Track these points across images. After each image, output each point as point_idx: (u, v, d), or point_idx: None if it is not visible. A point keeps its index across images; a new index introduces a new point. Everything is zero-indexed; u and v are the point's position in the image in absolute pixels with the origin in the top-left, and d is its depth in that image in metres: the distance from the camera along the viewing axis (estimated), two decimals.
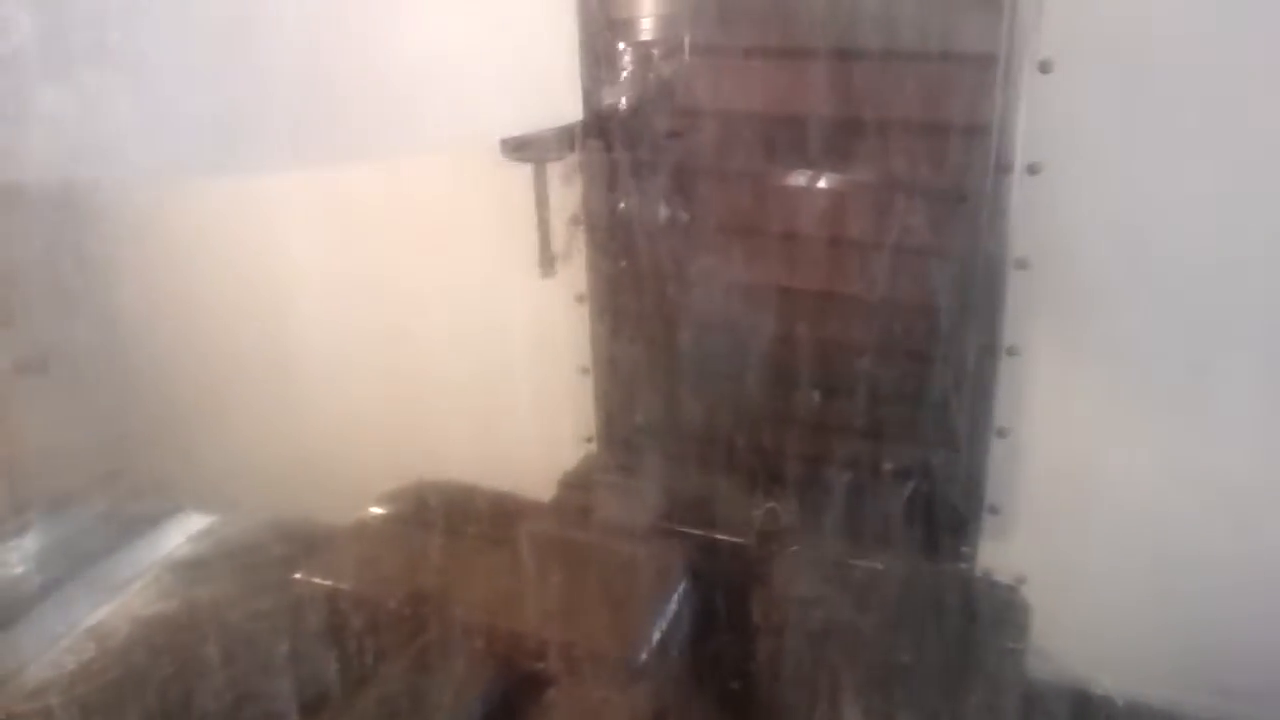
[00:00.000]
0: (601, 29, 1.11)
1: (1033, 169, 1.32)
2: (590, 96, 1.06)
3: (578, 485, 1.39)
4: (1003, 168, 1.32)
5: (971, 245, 1.35)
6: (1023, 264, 1.37)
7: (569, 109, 1.00)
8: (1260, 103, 1.23)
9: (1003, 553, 1.49)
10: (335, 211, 1.65)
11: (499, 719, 1.17)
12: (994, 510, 1.49)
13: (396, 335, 1.69)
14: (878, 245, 1.38)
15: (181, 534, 1.63)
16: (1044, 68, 1.28)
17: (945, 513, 1.44)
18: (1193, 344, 1.36)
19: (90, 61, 0.72)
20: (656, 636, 1.18)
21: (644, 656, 1.16)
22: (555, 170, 1.42)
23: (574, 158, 1.38)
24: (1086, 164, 1.32)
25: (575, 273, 1.56)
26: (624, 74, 1.19)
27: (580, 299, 1.58)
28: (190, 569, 1.55)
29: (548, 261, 1.39)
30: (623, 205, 1.33)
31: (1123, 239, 1.34)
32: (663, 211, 1.32)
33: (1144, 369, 1.39)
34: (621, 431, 1.55)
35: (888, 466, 1.43)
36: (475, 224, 1.61)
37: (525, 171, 1.43)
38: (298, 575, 1.38)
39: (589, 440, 1.61)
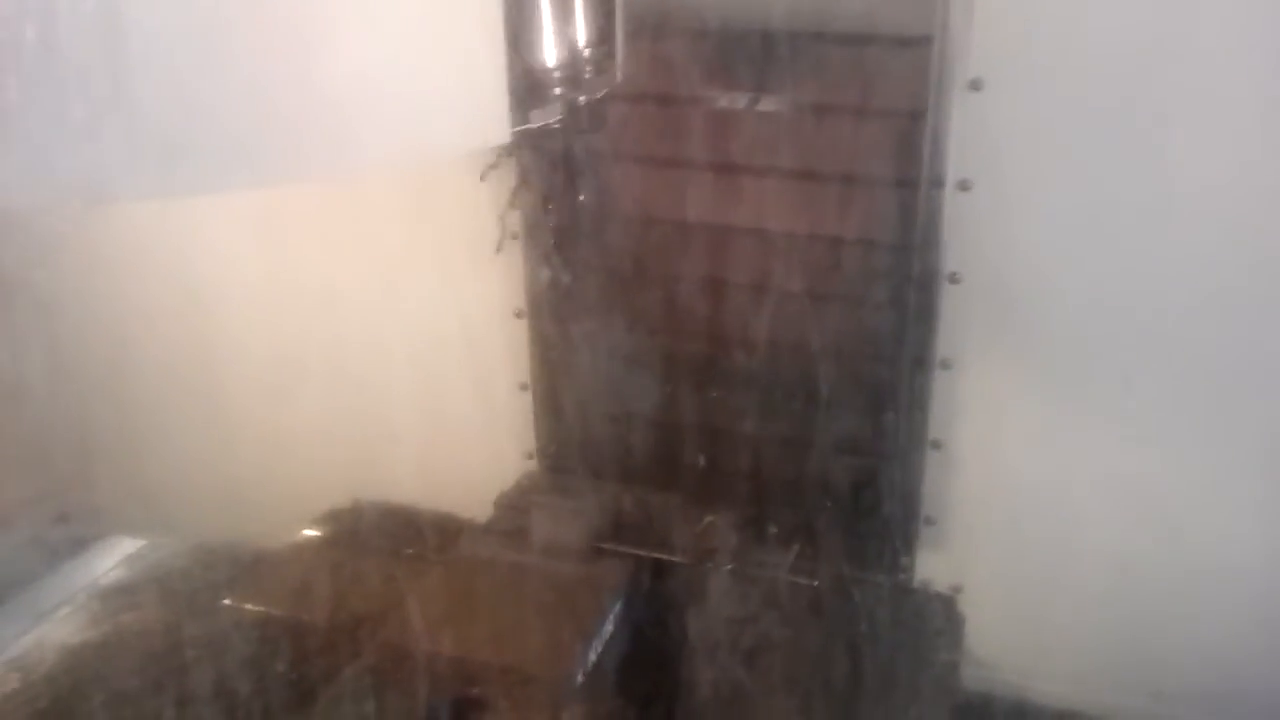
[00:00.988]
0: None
1: (963, 185, 1.34)
2: (519, 115, 1.04)
3: (514, 505, 1.38)
4: (935, 183, 1.33)
5: (905, 260, 1.36)
6: (955, 278, 1.39)
7: (498, 130, 0.99)
8: (1189, 116, 1.25)
9: (939, 563, 1.51)
10: (265, 227, 1.62)
11: None
12: (930, 521, 1.50)
13: (330, 353, 1.67)
14: (809, 246, 1.39)
15: (110, 559, 1.59)
16: (975, 85, 1.29)
17: (882, 525, 1.45)
18: (1121, 355, 1.38)
19: (8, 72, 0.69)
20: (592, 657, 1.17)
21: (580, 677, 1.15)
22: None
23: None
24: (1016, 179, 1.34)
25: (514, 287, 1.55)
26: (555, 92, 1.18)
27: (519, 314, 1.57)
28: (118, 595, 1.51)
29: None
30: (555, 221, 1.32)
31: (1052, 252, 1.36)
32: (594, 226, 1.31)
33: (1074, 380, 1.42)
34: (561, 447, 1.54)
35: (824, 480, 1.44)
36: (412, 239, 1.59)
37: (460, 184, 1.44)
38: (227, 601, 1.36)
39: (529, 457, 1.60)
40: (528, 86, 0.98)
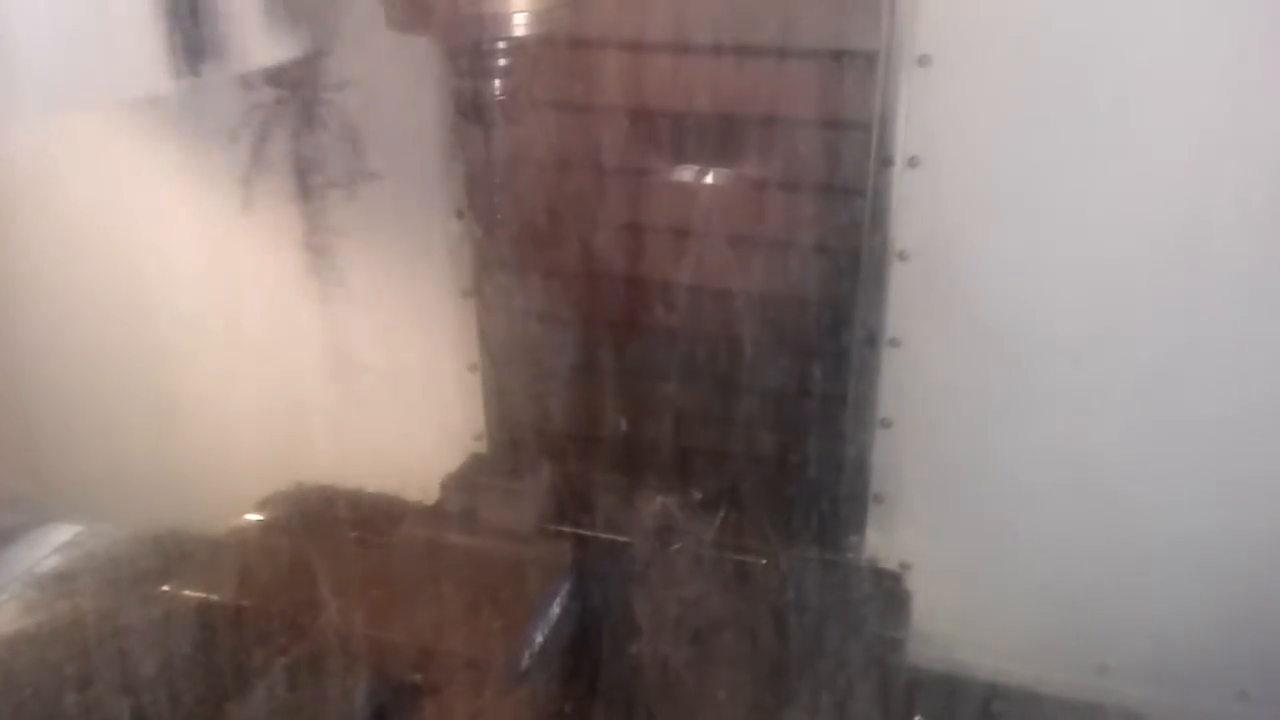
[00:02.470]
0: None
1: (913, 162, 1.33)
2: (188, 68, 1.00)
3: (461, 488, 1.36)
4: (884, 161, 1.32)
5: (854, 238, 1.35)
6: (904, 256, 1.38)
7: (157, 82, 0.97)
8: (1140, 94, 1.25)
9: (887, 541, 1.51)
10: (205, 210, 1.58)
11: None
12: (879, 499, 1.50)
13: (272, 333, 1.63)
14: (760, 239, 1.38)
15: (46, 547, 1.55)
16: (923, 62, 1.28)
17: (831, 504, 1.44)
18: (1070, 332, 1.39)
19: None
20: (539, 640, 1.16)
21: (525, 661, 1.14)
22: None
23: None
24: (965, 157, 1.33)
25: (462, 268, 1.53)
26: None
27: (467, 294, 1.54)
28: (54, 583, 1.48)
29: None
30: (499, 199, 1.29)
31: (1001, 230, 1.36)
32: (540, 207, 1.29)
33: (1023, 357, 1.42)
34: (510, 429, 1.52)
35: (773, 459, 1.43)
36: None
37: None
38: (166, 587, 1.33)
39: (477, 438, 1.58)
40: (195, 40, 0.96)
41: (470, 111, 1.19)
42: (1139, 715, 1.33)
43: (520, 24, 1.10)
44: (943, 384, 1.45)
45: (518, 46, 1.14)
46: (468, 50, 1.14)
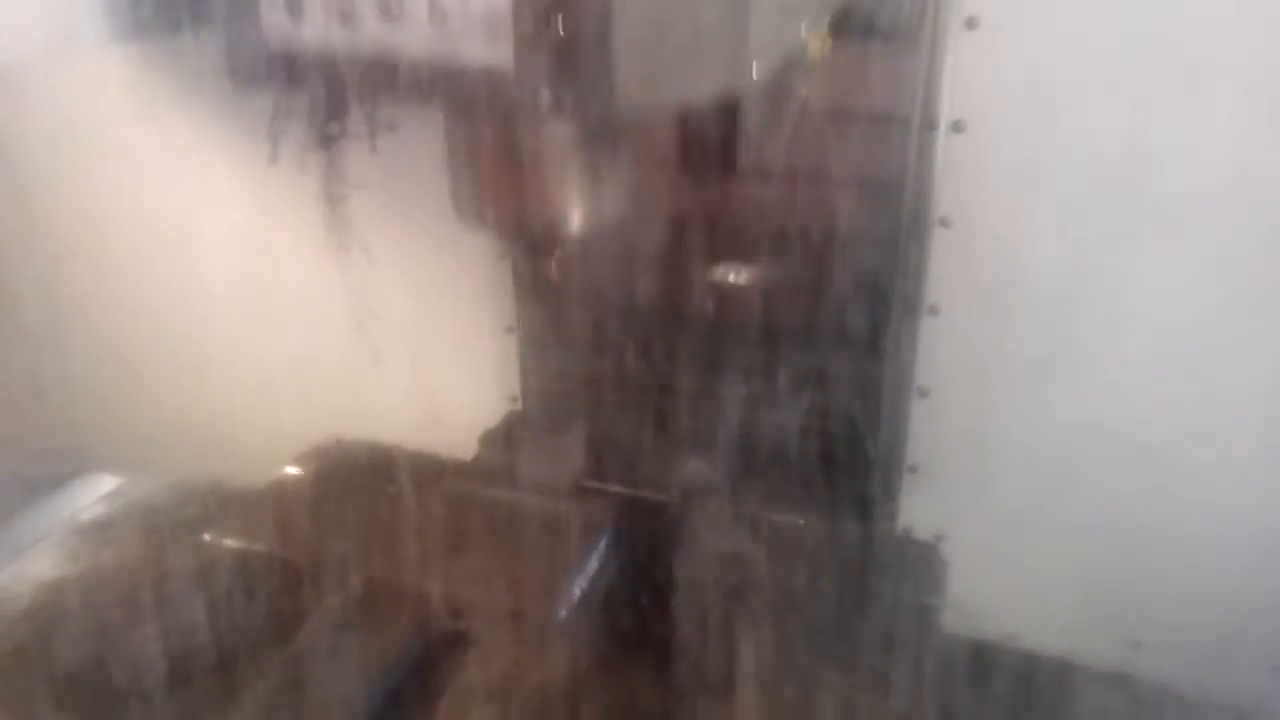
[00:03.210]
0: None
1: (957, 126, 1.32)
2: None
3: (499, 443, 1.37)
4: (928, 125, 1.32)
5: (895, 204, 1.35)
6: (946, 222, 1.37)
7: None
8: (1189, 61, 1.23)
9: (922, 511, 1.50)
10: (245, 162, 1.59)
11: (419, 679, 1.15)
12: (914, 469, 1.50)
13: (312, 293, 1.64)
14: (799, 206, 1.37)
15: (89, 496, 1.57)
16: (970, 24, 1.27)
17: (866, 472, 1.44)
18: (1112, 302, 1.38)
19: None
20: (577, 593, 1.17)
21: (564, 613, 1.15)
22: None
23: None
24: (1012, 121, 1.32)
25: None
26: None
27: (503, 256, 1.55)
28: (98, 531, 1.50)
29: None
30: None
31: (1045, 197, 1.35)
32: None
33: (1064, 328, 1.41)
34: (546, 390, 1.52)
35: (810, 426, 1.43)
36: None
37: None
38: (207, 537, 1.34)
39: (514, 400, 1.59)
40: None
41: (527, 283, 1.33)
42: (1171, 688, 1.32)
43: (574, 224, 1.16)
44: (981, 354, 1.44)
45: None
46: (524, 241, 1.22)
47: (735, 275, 1.44)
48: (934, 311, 1.43)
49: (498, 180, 1.13)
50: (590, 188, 1.16)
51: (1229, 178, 1.27)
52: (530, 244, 1.22)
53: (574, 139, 1.11)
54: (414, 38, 0.93)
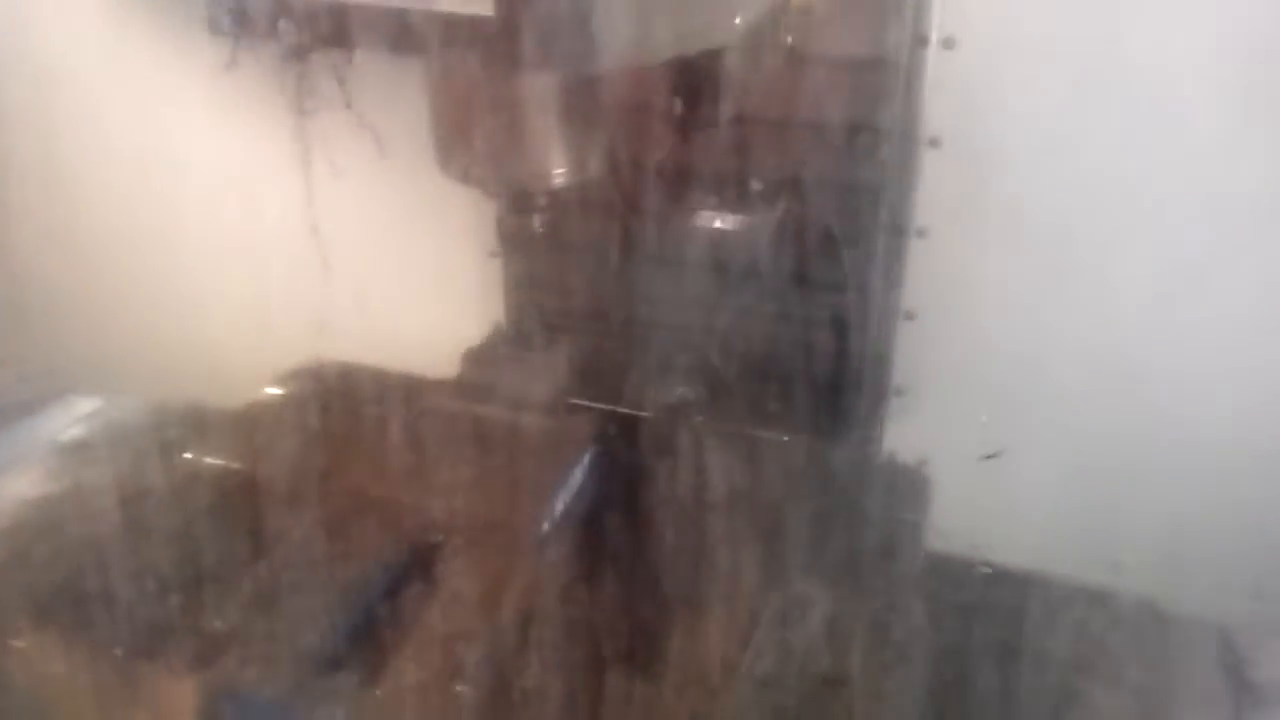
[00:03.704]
0: None
1: (948, 43, 1.30)
2: None
3: (482, 361, 1.36)
4: (918, 41, 1.29)
5: (883, 123, 1.32)
6: (935, 142, 1.36)
7: None
8: None
9: (907, 435, 1.50)
10: (226, 86, 1.56)
11: (402, 590, 1.15)
12: (900, 392, 1.50)
13: (294, 216, 1.62)
14: (783, 123, 1.35)
15: (68, 418, 1.56)
16: None
17: (851, 395, 1.44)
18: (1102, 225, 1.37)
19: None
20: (559, 508, 1.16)
21: (546, 527, 1.15)
22: None
23: None
24: (1004, 39, 1.30)
25: None
26: None
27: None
28: (77, 452, 1.49)
29: None
30: None
31: (1038, 118, 1.33)
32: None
33: (1053, 251, 1.40)
34: (530, 315, 1.51)
35: (793, 348, 1.42)
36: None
37: None
38: (188, 456, 1.34)
39: (497, 325, 1.58)
40: None
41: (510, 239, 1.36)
42: (1151, 602, 1.33)
43: (558, 176, 1.16)
44: (969, 276, 1.43)
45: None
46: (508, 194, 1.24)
47: (719, 209, 1.42)
48: (922, 233, 1.41)
49: (479, 135, 1.13)
50: (572, 140, 1.15)
51: (1232, 89, 1.26)
52: (514, 199, 1.23)
53: (555, 90, 1.10)
54: None
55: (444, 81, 1.14)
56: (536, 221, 1.24)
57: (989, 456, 1.44)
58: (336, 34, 0.99)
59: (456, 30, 0.89)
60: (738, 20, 1.06)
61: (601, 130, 1.21)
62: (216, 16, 1.04)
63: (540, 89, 1.10)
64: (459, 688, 1.01)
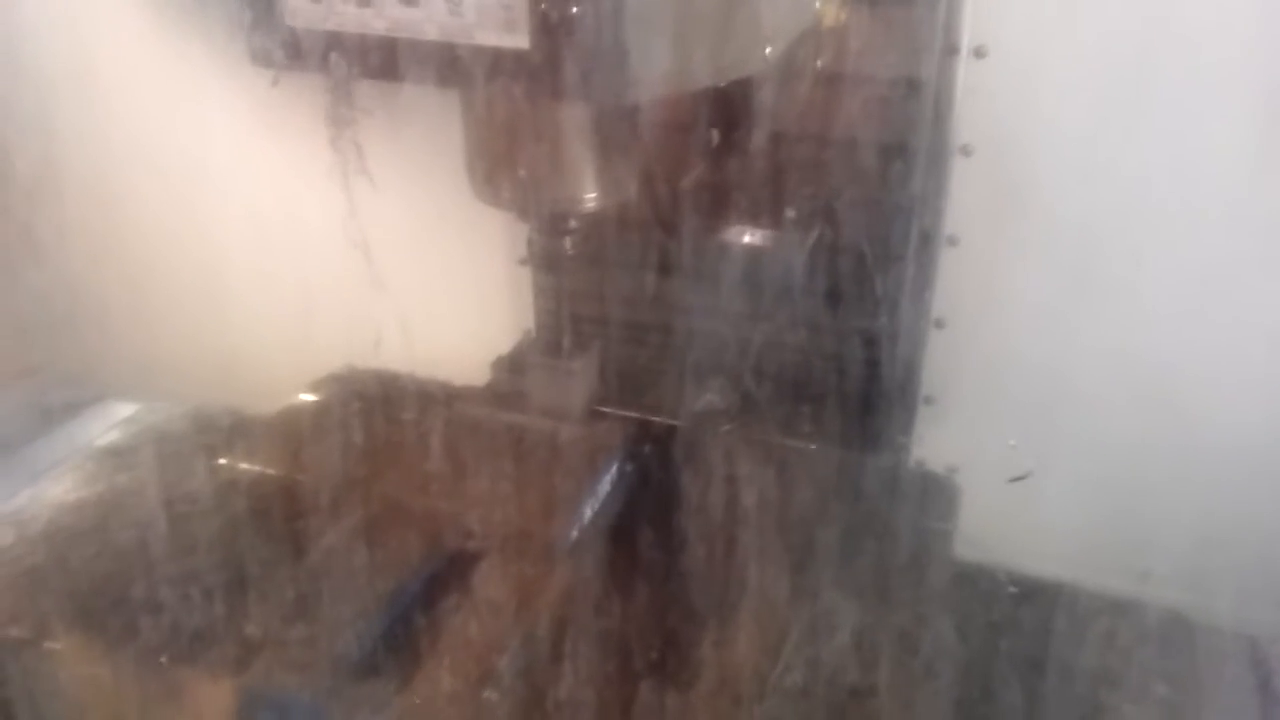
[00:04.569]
0: None
1: (979, 52, 1.30)
2: None
3: (511, 369, 1.37)
4: (949, 50, 1.29)
5: (914, 131, 1.32)
6: (967, 151, 1.36)
7: None
8: None
9: (937, 443, 1.50)
10: (259, 96, 1.57)
11: (431, 597, 1.16)
12: (929, 401, 1.49)
13: (326, 225, 1.64)
14: (815, 133, 1.35)
15: (104, 423, 1.59)
16: None
17: (881, 404, 1.43)
18: (1133, 233, 1.36)
19: None
20: (588, 515, 1.17)
21: (575, 534, 1.15)
22: None
23: None
24: (1033, 47, 1.30)
25: None
26: None
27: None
28: (113, 456, 1.51)
29: None
30: None
31: (1067, 125, 1.33)
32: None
33: (1084, 259, 1.39)
34: (560, 321, 1.52)
35: (824, 357, 1.42)
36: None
37: None
38: (222, 461, 1.35)
39: (527, 332, 1.58)
40: None
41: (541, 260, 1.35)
42: (1180, 614, 1.32)
43: (589, 200, 1.19)
44: (1000, 285, 1.43)
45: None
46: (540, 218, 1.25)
47: (751, 224, 1.42)
48: (953, 242, 1.41)
49: (512, 162, 1.16)
50: (605, 166, 1.17)
51: (1260, 105, 1.25)
52: (547, 222, 1.25)
53: (588, 120, 1.13)
54: (431, 20, 0.93)
55: (478, 110, 1.16)
56: (568, 244, 1.26)
57: (1017, 479, 1.43)
58: (382, 67, 1.01)
59: (493, 62, 0.91)
60: (769, 50, 1.07)
61: (634, 155, 1.24)
62: (264, 49, 1.06)
63: (573, 118, 1.13)
64: (488, 694, 1.01)
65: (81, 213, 1.73)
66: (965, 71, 1.31)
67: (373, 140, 1.42)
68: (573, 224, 1.26)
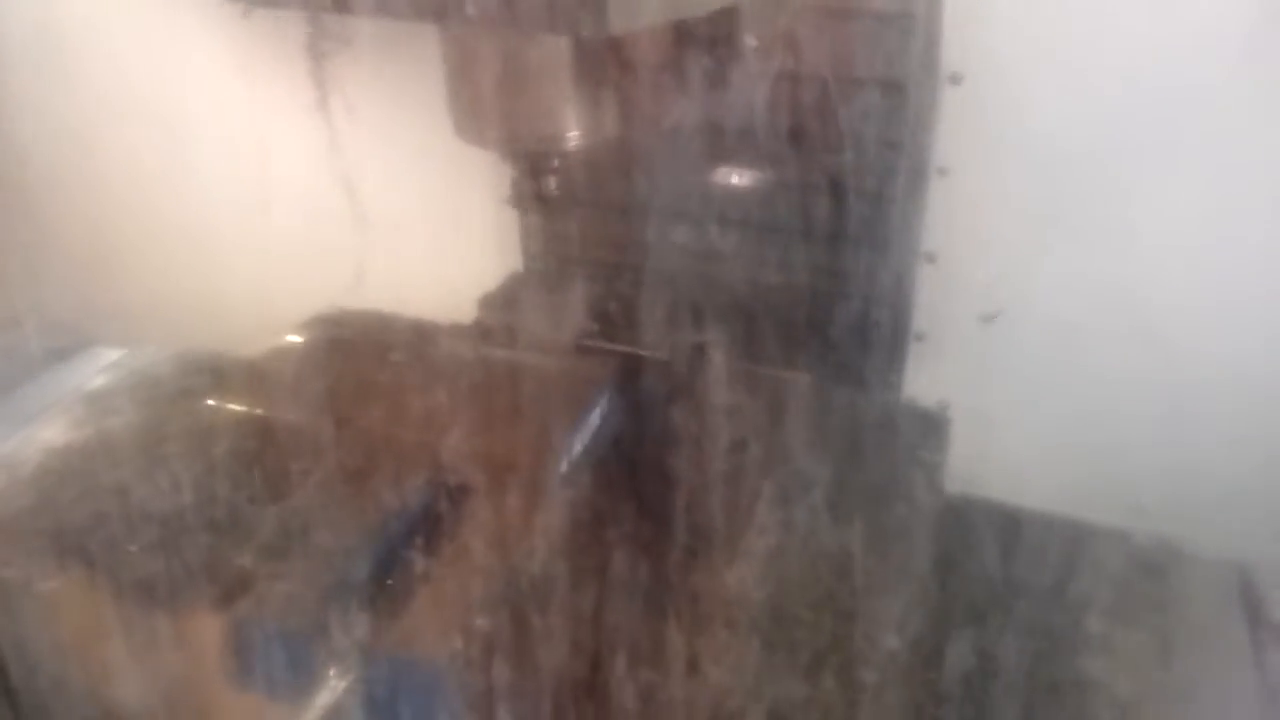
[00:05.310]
0: None
1: None
2: None
3: (499, 305, 1.36)
4: None
5: (903, 60, 1.30)
6: (956, 79, 1.34)
7: None
8: None
9: (927, 378, 1.50)
10: (235, 31, 1.55)
11: (422, 530, 1.16)
12: (920, 337, 1.49)
13: (313, 165, 1.62)
14: (802, 64, 1.33)
15: (91, 368, 1.57)
16: None
17: (871, 340, 1.43)
18: (1125, 168, 1.35)
19: None
20: (578, 448, 1.17)
21: (565, 467, 1.15)
22: None
23: None
24: None
25: None
26: None
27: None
28: (101, 400, 1.50)
29: None
30: None
31: (1058, 53, 1.31)
32: None
33: (1075, 191, 1.38)
34: (546, 256, 1.51)
35: (813, 292, 1.41)
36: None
37: None
38: (210, 402, 1.35)
39: (513, 271, 1.57)
40: None
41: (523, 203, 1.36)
42: (1171, 544, 1.32)
43: (572, 137, 1.19)
44: (991, 217, 1.42)
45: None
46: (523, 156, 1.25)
47: (737, 159, 1.40)
48: (943, 173, 1.40)
49: (494, 100, 1.15)
50: (585, 102, 1.17)
51: (1251, 36, 1.23)
52: (530, 162, 1.25)
53: (568, 56, 1.12)
54: None
55: (458, 48, 1.15)
56: (552, 183, 1.26)
57: (989, 318, 1.42)
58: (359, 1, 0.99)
59: None
60: None
61: (616, 92, 1.22)
62: None
63: (553, 54, 1.12)
64: (478, 621, 1.02)
65: (58, 157, 1.70)
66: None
67: (353, 74, 1.41)
68: (556, 163, 1.25)
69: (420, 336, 1.35)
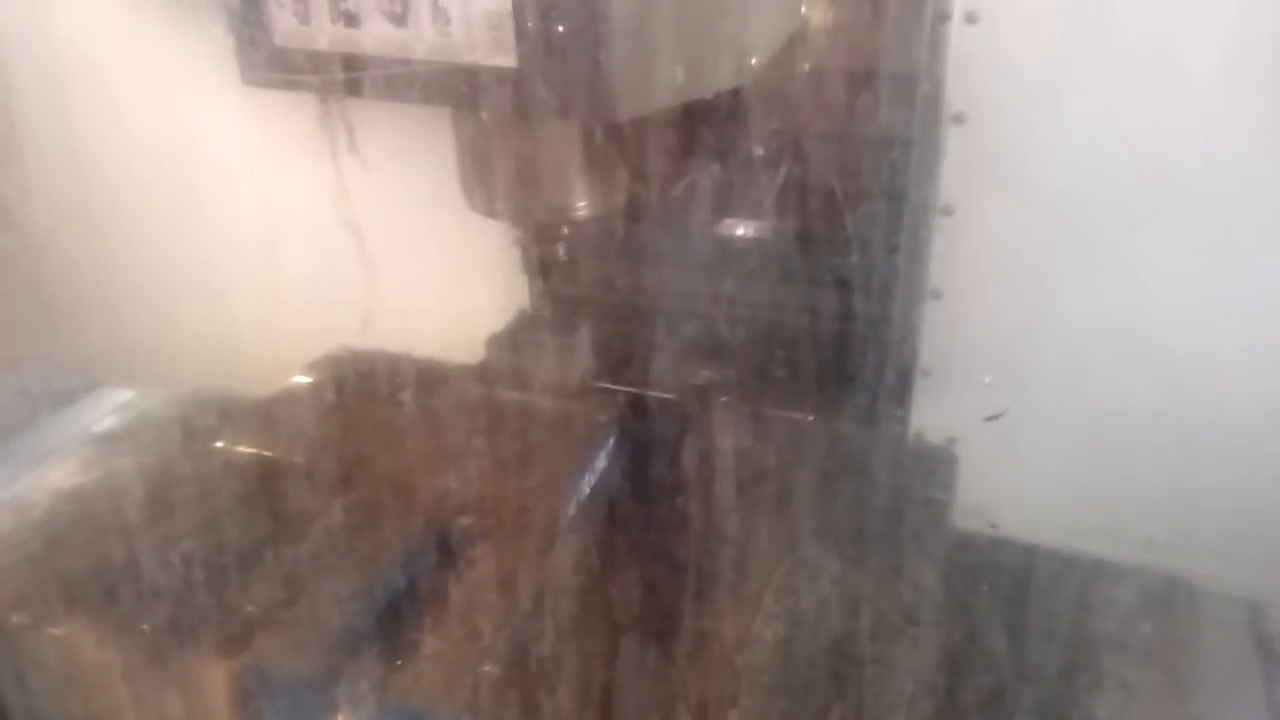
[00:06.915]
0: None
1: (970, 18, 1.29)
2: None
3: (506, 346, 1.37)
4: (940, 16, 1.28)
5: (906, 100, 1.31)
6: (960, 119, 1.35)
7: None
8: None
9: (934, 415, 1.49)
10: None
11: (429, 574, 1.16)
12: (926, 373, 1.49)
13: (322, 206, 1.63)
14: (813, 125, 1.34)
15: (102, 409, 1.58)
16: None
17: (878, 376, 1.43)
18: (1129, 201, 1.35)
19: None
20: (585, 489, 1.17)
21: (572, 510, 1.15)
22: None
23: None
24: (1028, 12, 1.28)
25: None
26: None
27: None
28: (111, 441, 1.51)
29: None
30: None
31: (1063, 92, 1.31)
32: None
33: (1080, 227, 1.38)
34: (556, 300, 1.51)
35: (820, 330, 1.42)
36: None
37: None
38: (220, 444, 1.35)
39: (522, 311, 1.58)
40: None
41: (535, 271, 1.37)
42: (1183, 580, 1.32)
43: (581, 209, 1.21)
44: (996, 254, 1.42)
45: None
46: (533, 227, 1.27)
47: (744, 210, 1.42)
48: (947, 212, 1.40)
49: (504, 175, 1.17)
50: (594, 176, 1.19)
51: (1258, 75, 1.24)
52: (539, 232, 1.27)
53: (577, 133, 1.15)
54: (420, 40, 0.93)
55: (468, 126, 1.18)
56: (561, 250, 1.29)
57: (992, 418, 1.43)
58: (371, 86, 1.01)
59: (482, 81, 0.92)
60: (754, 61, 1.07)
61: (624, 163, 1.25)
62: (254, 68, 1.06)
63: (562, 132, 1.14)
64: (486, 668, 1.01)
65: (69, 199, 1.72)
66: (958, 37, 1.29)
67: (363, 120, 1.42)
68: (565, 231, 1.27)
69: (428, 377, 1.36)
